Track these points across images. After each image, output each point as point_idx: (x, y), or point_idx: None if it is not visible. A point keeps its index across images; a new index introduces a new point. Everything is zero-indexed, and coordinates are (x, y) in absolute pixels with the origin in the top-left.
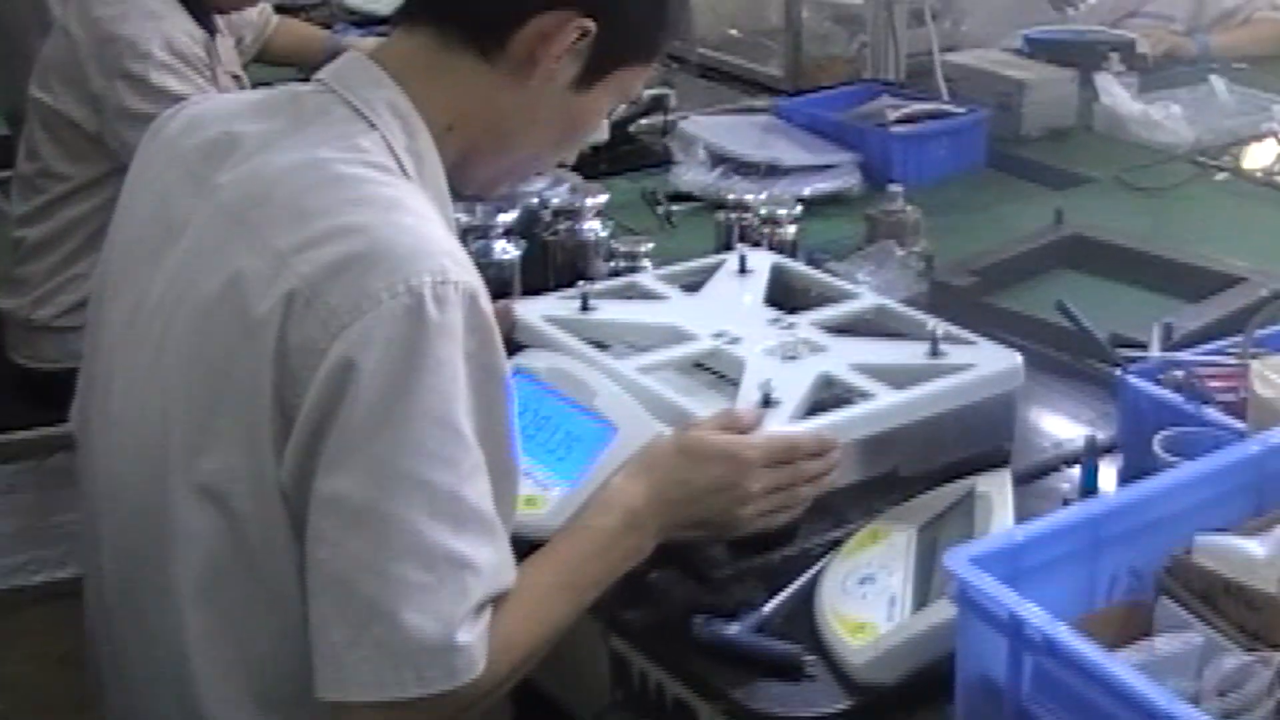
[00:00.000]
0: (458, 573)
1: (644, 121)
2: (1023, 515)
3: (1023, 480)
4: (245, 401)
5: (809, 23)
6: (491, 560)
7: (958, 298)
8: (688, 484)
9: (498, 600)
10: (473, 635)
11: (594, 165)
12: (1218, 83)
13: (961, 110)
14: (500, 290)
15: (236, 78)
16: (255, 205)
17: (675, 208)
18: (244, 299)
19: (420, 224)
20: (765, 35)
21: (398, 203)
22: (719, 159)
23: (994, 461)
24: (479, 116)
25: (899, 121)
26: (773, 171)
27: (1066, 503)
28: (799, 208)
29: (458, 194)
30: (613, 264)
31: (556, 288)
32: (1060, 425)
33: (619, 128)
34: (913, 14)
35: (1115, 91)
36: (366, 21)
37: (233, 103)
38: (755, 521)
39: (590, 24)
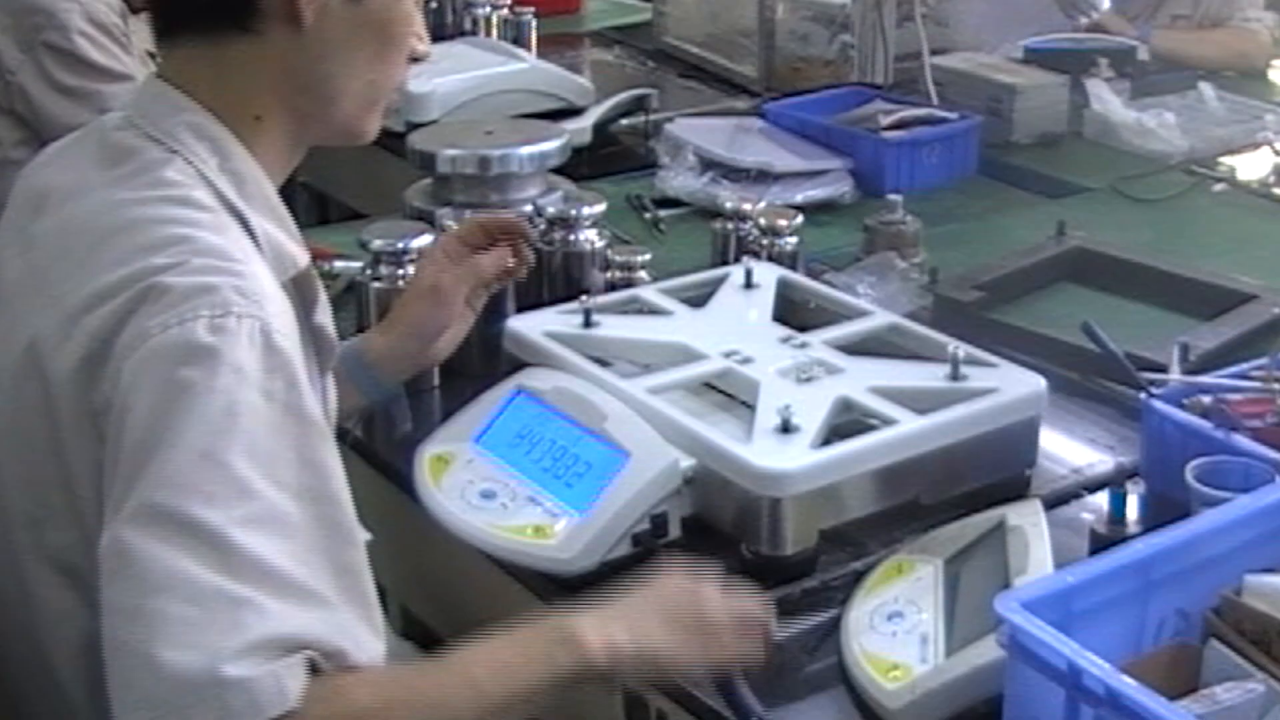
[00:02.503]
0: (231, 609)
1: (625, 122)
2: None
3: (1051, 505)
4: (71, 474)
5: (787, 21)
6: (286, 612)
7: (963, 313)
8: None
9: (352, 669)
10: (252, 670)
11: (575, 168)
12: (1206, 89)
13: (953, 116)
14: (494, 302)
15: (152, 55)
16: (57, 259)
17: (663, 213)
18: (42, 367)
19: (213, 262)
20: (742, 34)
21: (192, 241)
22: (708, 163)
23: (1014, 488)
24: (281, 89)
25: (890, 128)
26: (762, 177)
27: (1094, 534)
28: (799, 218)
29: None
30: (609, 275)
31: (551, 300)
32: (1077, 450)
33: (600, 129)
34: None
35: (1107, 98)
36: None
37: (59, 145)
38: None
39: None
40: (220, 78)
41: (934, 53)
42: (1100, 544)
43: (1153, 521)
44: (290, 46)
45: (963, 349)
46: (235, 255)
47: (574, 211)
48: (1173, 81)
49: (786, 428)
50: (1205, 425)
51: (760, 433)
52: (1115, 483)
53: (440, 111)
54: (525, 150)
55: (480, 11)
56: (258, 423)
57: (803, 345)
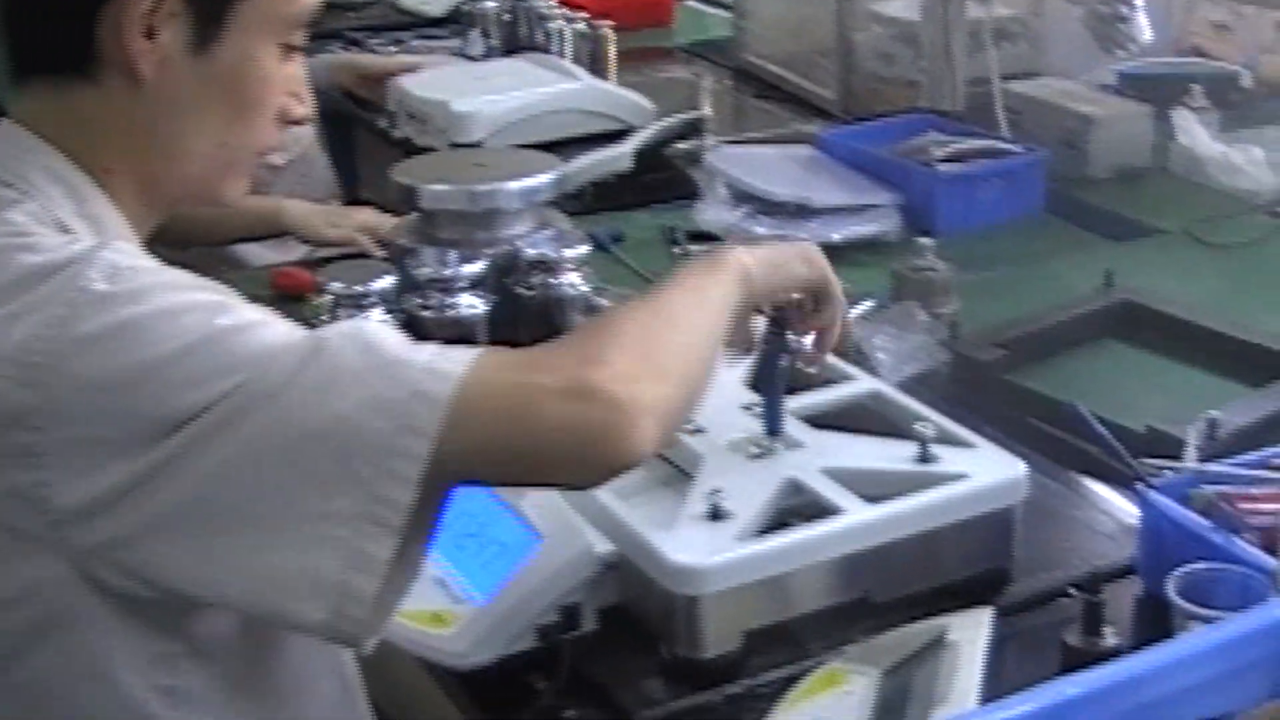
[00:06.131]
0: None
1: (680, 146)
2: (1011, 659)
3: (1024, 607)
4: None
5: (870, 40)
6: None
7: (982, 374)
8: None
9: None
10: None
11: (618, 194)
12: None
13: (1018, 149)
14: None
15: None
16: None
17: (694, 248)
18: None
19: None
20: (822, 53)
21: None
22: (743, 196)
23: (988, 584)
24: (125, 143)
25: (948, 159)
26: (802, 212)
27: (1065, 646)
28: None
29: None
30: None
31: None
32: (1077, 539)
33: (653, 153)
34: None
35: (1194, 130)
36: (411, 25)
37: None
38: None
39: None
40: (66, 125)
41: (1020, 76)
42: (1071, 658)
43: (1141, 632)
44: (131, 100)
45: (934, 427)
46: None
47: (554, 254)
48: (1271, 111)
49: (716, 514)
50: (1204, 525)
51: (685, 519)
52: (1105, 582)
53: (485, 132)
54: (513, 186)
55: (553, 26)
56: (200, 292)
57: None
